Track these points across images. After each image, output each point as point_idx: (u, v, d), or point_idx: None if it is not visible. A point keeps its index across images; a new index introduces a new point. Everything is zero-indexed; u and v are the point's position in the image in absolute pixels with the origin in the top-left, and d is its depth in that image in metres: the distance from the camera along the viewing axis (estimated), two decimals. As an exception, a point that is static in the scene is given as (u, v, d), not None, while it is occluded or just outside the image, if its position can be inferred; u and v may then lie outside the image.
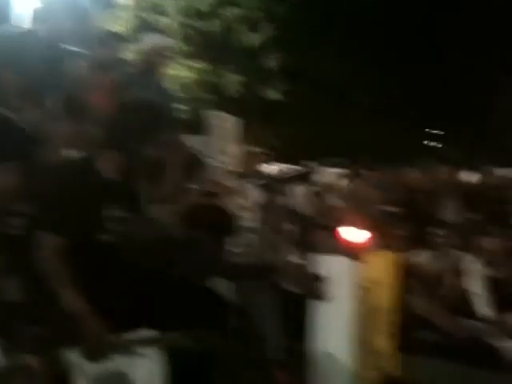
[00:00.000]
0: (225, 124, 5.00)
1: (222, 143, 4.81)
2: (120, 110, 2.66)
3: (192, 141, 4.52)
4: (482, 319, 4.67)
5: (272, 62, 15.03)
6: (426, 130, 21.02)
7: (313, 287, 2.90)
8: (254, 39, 14.59)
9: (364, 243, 2.90)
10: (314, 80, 15.76)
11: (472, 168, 9.40)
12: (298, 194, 6.68)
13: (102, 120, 2.71)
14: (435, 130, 21.46)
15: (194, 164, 3.71)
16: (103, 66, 3.89)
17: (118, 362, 2.20)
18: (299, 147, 13.92)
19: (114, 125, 2.57)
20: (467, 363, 4.02)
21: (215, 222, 2.92)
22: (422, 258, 5.51)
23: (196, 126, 5.85)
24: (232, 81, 14.61)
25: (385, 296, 3.03)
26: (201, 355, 3.30)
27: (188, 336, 3.24)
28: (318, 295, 2.87)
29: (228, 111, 5.68)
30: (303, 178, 7.32)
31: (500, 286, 4.88)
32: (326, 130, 16.02)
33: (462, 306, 4.91)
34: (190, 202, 3.13)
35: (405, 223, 6.05)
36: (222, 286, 3.13)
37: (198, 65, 14.33)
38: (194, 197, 3.32)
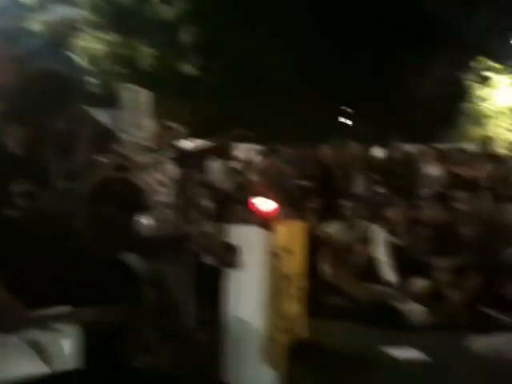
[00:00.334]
0: (137, 98, 4.91)
1: (135, 117, 4.73)
2: (24, 82, 2.56)
3: (103, 114, 4.42)
4: (387, 284, 4.97)
5: (187, 36, 14.82)
6: (339, 107, 21.64)
7: (225, 256, 2.97)
8: (168, 12, 14.30)
9: (274, 213, 3.00)
10: (230, 56, 15.74)
11: (381, 144, 9.83)
12: (214, 169, 6.73)
13: (4, 92, 2.60)
14: (348, 107, 22.13)
15: (105, 137, 3.65)
16: (5, 36, 3.69)
17: (32, 338, 2.18)
18: (215, 123, 13.91)
19: (17, 97, 2.48)
20: (373, 325, 4.27)
21: (126, 196, 2.90)
22: (333, 228, 5.77)
23: (108, 100, 5.71)
24: (145, 54, 14.29)
25: (294, 263, 3.16)
26: (114, 329, 3.30)
27: (101, 311, 3.22)
28: (231, 264, 2.96)
29: (141, 85, 5.57)
30: (219, 153, 7.36)
31: (403, 252, 5.19)
32: (242, 107, 16.09)
33: (369, 272, 5.21)
34: (101, 176, 3.09)
35: (317, 196, 6.29)
36: (135, 260, 3.13)
37: (110, 37, 13.87)
38: (104, 171, 3.27)
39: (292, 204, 4.96)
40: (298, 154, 8.10)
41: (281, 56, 16.62)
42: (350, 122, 22.21)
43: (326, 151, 8.39)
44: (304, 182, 6.93)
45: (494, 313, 3.64)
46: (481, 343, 3.54)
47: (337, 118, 21.76)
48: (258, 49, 15.97)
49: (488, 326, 3.69)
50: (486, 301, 4.04)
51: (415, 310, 4.46)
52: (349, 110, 22.01)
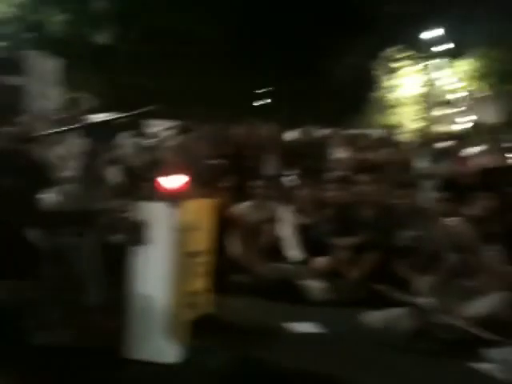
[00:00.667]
0: (46, 66, 4.70)
1: (42, 86, 4.54)
2: None
3: (8, 81, 4.21)
4: (292, 262, 5.16)
5: (102, 2, 14.26)
6: (256, 88, 21.79)
7: (132, 233, 2.97)
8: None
9: (183, 190, 3.02)
10: (147, 27, 15.32)
11: (295, 126, 10.02)
12: (124, 144, 6.61)
13: None
14: (264, 88, 22.31)
15: (6, 106, 3.48)
16: None
17: None
18: (129, 96, 13.54)
19: None
20: (276, 301, 4.44)
21: (28, 169, 2.81)
22: (243, 207, 5.88)
23: (14, 66, 5.42)
24: (56, 20, 13.59)
25: (201, 240, 3.21)
26: (17, 305, 3.21)
27: (3, 286, 3.12)
28: (138, 241, 2.95)
29: (50, 53, 5.33)
30: (132, 127, 7.22)
31: (308, 232, 5.39)
32: (158, 81, 15.77)
33: (275, 250, 5.38)
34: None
35: (228, 175, 6.35)
36: (37, 235, 3.06)
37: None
38: (3, 142, 3.13)
39: (202, 182, 4.98)
40: (211, 132, 8.10)
41: (202, 32, 16.42)
42: (265, 104, 22.44)
43: (239, 130, 8.46)
44: (216, 161, 6.96)
45: (386, 289, 3.90)
46: (375, 317, 3.78)
47: (253, 99, 21.91)
48: (178, 22, 15.65)
49: (381, 301, 3.95)
50: (380, 278, 4.31)
51: (317, 287, 4.68)
52: (265, 91, 22.21)
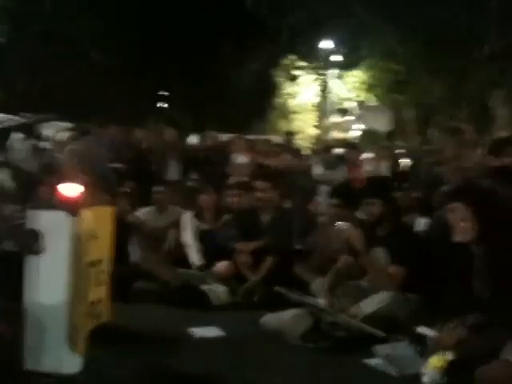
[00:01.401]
0: None
1: None
2: None
3: None
4: (195, 268, 5.21)
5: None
6: (158, 92, 21.59)
7: (27, 242, 2.87)
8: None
9: (81, 197, 2.96)
10: (45, 29, 14.70)
11: (197, 131, 10.06)
12: (19, 148, 6.33)
13: None
14: (167, 93, 22.15)
15: None
16: None
17: None
18: (25, 98, 12.93)
19: None
20: (179, 307, 4.46)
21: None
22: (145, 213, 5.84)
23: None
24: None
25: (100, 249, 3.17)
26: None
27: None
28: (33, 250, 2.87)
29: None
30: (25, 130, 6.92)
31: (211, 237, 5.46)
32: (57, 84, 15.17)
33: (178, 256, 5.40)
34: None
35: (130, 180, 6.28)
36: None
37: None
38: None
39: (102, 188, 4.90)
40: (111, 136, 7.96)
41: (100, 35, 16.01)
42: (167, 108, 22.29)
43: (141, 135, 8.37)
44: (116, 165, 6.85)
45: (285, 291, 4.06)
46: (273, 318, 3.93)
47: (155, 103, 21.68)
48: (77, 26, 15.14)
49: (280, 303, 4.10)
50: (280, 280, 4.47)
51: (219, 291, 4.76)
52: (167, 95, 22.07)
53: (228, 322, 4.14)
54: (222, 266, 5.03)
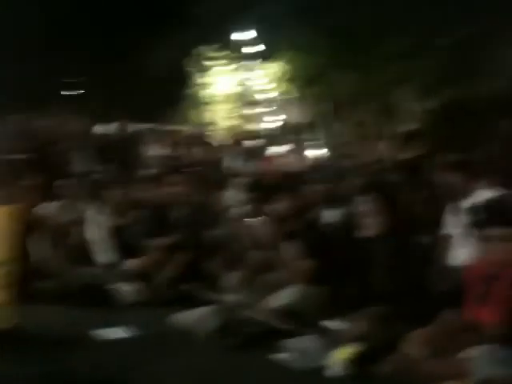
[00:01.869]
0: None
1: None
2: None
3: None
4: (103, 265, 5.01)
5: None
6: (64, 79, 20.62)
7: None
8: None
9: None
10: None
11: (106, 121, 9.72)
12: None
13: None
14: (75, 79, 21.21)
15: None
16: None
17: None
18: None
19: None
20: (86, 307, 4.28)
21: None
22: (50, 208, 5.55)
23: None
24: None
25: (1, 249, 2.96)
26: None
27: None
28: None
29: None
30: None
31: (121, 233, 5.28)
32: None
33: (85, 254, 5.17)
34: None
35: (33, 173, 5.93)
36: None
37: None
38: None
39: (4, 183, 4.60)
40: (13, 125, 7.50)
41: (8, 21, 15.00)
42: (75, 96, 21.34)
43: (45, 123, 7.95)
44: (18, 157, 6.46)
45: (196, 288, 4.02)
46: (184, 317, 3.87)
47: (60, 91, 20.69)
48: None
49: (191, 301, 4.05)
50: (192, 277, 4.42)
51: (128, 290, 4.62)
52: (75, 82, 21.14)
53: (137, 321, 4.01)
54: (132, 263, 4.88)
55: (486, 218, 2.68)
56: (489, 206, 2.83)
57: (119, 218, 5.38)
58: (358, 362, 2.98)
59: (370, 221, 3.31)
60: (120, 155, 7.66)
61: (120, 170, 6.82)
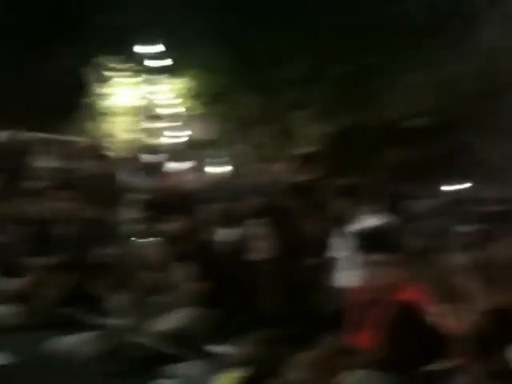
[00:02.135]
0: None
1: None
2: None
3: None
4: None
5: None
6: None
7: None
8: None
9: None
10: None
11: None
12: None
13: None
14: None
15: None
16: None
17: None
18: None
19: None
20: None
21: None
22: None
23: None
24: None
25: None
26: None
27: None
28: None
29: None
30: None
31: (1, 250, 4.93)
32: None
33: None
34: None
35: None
36: None
37: None
38: None
39: None
40: None
41: None
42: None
43: None
44: None
45: (79, 312, 3.83)
46: (64, 342, 3.67)
47: None
48: None
49: (74, 325, 3.85)
50: (76, 298, 4.20)
51: (7, 312, 4.32)
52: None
53: (15, 346, 3.74)
54: (11, 283, 4.56)
55: (367, 243, 2.77)
56: (371, 232, 2.95)
57: (1, 235, 5.03)
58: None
59: (260, 244, 3.34)
60: (8, 165, 7.22)
61: (6, 182, 6.42)
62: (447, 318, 2.64)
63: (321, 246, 5.43)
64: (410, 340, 2.38)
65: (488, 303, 2.76)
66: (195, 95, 20.05)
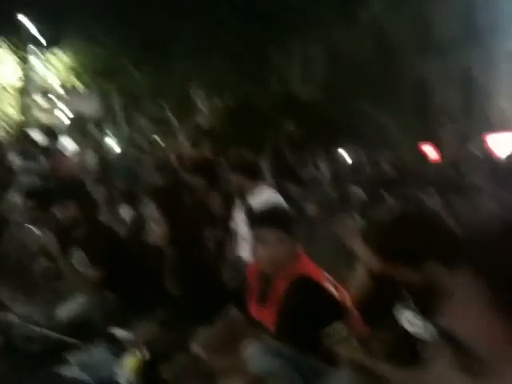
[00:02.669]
0: None
1: None
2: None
3: None
4: None
5: None
6: None
7: None
8: None
9: None
10: None
11: None
12: None
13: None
14: None
15: None
16: None
17: None
18: None
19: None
20: None
21: None
22: None
23: None
24: None
25: None
26: None
27: None
28: None
29: None
30: None
31: None
32: None
33: None
34: None
35: None
36: None
37: None
38: None
39: None
40: None
41: None
42: None
43: None
44: None
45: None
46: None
47: None
48: None
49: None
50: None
51: None
52: None
53: None
54: None
55: (260, 218, 2.80)
56: (264, 208, 3.00)
57: None
58: (146, 369, 2.96)
59: (155, 229, 3.31)
60: None
61: None
62: (340, 286, 2.78)
63: (223, 220, 5.48)
64: (303, 311, 2.46)
65: (376, 267, 2.94)
66: (83, 71, 19.14)
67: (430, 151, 12.20)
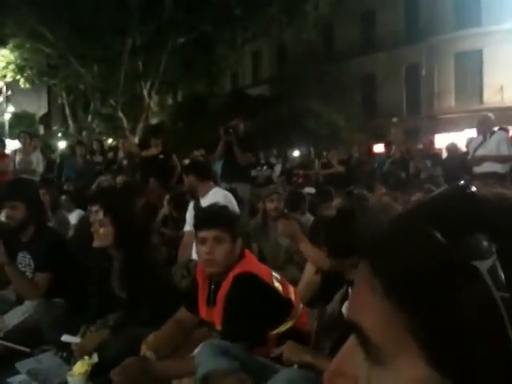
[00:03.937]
0: None
1: None
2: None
3: None
4: None
5: None
6: None
7: None
8: None
9: None
10: None
11: None
12: None
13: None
14: None
15: None
16: None
17: None
18: None
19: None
20: None
21: None
22: None
23: None
24: None
25: None
26: None
27: None
28: None
29: None
30: None
31: None
32: None
33: None
34: None
35: None
36: None
37: None
38: None
39: None
40: None
41: None
42: None
43: None
44: None
45: None
46: None
47: None
48: None
49: None
50: None
51: None
52: None
53: None
54: None
55: (204, 219, 2.80)
56: (208, 208, 3.00)
57: None
58: (96, 373, 2.93)
59: (101, 232, 3.27)
60: None
61: None
62: (287, 284, 2.83)
63: (175, 221, 5.47)
64: (246, 308, 2.49)
65: (323, 264, 3.01)
66: (24, 66, 18.53)
67: (379, 149, 12.51)
